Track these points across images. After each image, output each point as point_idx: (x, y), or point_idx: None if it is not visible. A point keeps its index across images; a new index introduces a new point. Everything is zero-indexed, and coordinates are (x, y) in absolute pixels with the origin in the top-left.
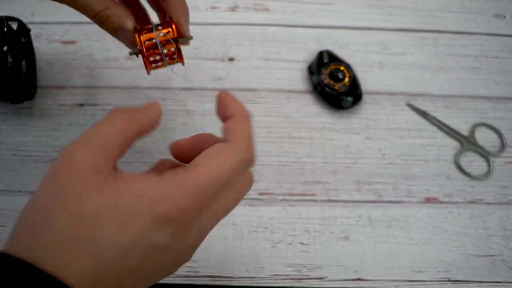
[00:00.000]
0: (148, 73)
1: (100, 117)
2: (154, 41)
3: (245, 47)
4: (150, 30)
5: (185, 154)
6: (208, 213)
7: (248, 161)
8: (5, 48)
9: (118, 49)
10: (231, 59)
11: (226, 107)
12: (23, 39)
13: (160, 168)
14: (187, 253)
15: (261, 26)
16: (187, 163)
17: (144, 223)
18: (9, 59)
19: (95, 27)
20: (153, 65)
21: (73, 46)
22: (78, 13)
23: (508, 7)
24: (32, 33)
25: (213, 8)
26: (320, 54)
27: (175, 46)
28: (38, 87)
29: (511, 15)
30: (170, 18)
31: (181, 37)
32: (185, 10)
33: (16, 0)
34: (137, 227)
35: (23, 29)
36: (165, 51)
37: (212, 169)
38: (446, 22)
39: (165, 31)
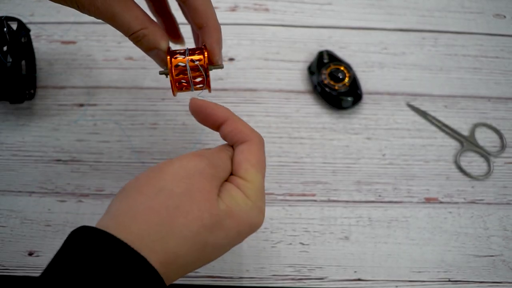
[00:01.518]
0: (174, 95)
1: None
2: (184, 65)
3: (245, 47)
4: (183, 54)
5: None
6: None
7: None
8: (5, 48)
9: (118, 49)
10: (231, 59)
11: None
12: (23, 39)
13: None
14: None
15: (261, 26)
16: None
17: (242, 230)
18: (9, 59)
19: (95, 27)
20: (180, 88)
21: (73, 46)
22: (78, 13)
23: (508, 7)
24: (32, 33)
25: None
26: (320, 54)
27: (204, 74)
28: (38, 87)
29: (511, 15)
30: (204, 45)
31: (212, 65)
32: (220, 39)
33: (16, 0)
34: (236, 234)
35: (23, 29)
36: (196, 78)
37: (260, 173)
38: (446, 22)
39: (197, 58)
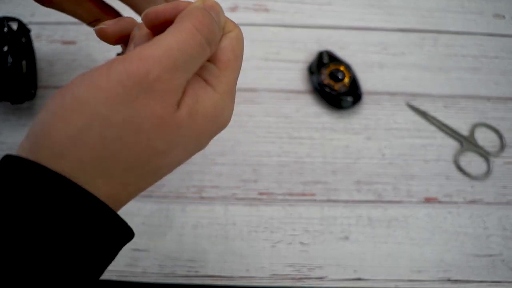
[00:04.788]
0: None
1: None
2: None
3: (245, 47)
4: None
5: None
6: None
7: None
8: (5, 49)
9: (118, 49)
10: None
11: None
12: (23, 39)
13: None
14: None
15: (261, 26)
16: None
17: (203, 139)
18: (9, 59)
19: None
20: None
21: (73, 46)
22: None
23: (508, 7)
24: (32, 33)
25: None
26: (320, 54)
27: None
28: (38, 87)
29: (511, 15)
30: None
31: None
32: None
33: (16, 0)
34: (196, 145)
35: (23, 29)
36: None
37: (238, 61)
38: (446, 22)
39: None
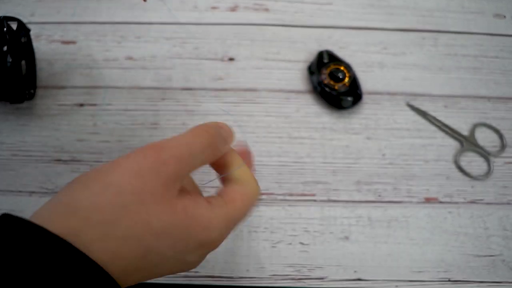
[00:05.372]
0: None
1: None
2: None
3: (245, 47)
4: None
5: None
6: None
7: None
8: (5, 48)
9: (118, 49)
10: (231, 59)
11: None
12: (23, 39)
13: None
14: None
15: (261, 26)
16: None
17: (190, 244)
18: (9, 59)
19: (95, 27)
20: None
21: (73, 46)
22: (78, 13)
23: (508, 7)
24: (32, 33)
25: (213, 8)
26: (320, 54)
27: None
28: (38, 87)
29: (511, 15)
30: None
31: None
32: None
33: (16, 0)
34: (183, 246)
35: (23, 29)
36: None
37: (243, 207)
38: (446, 22)
39: None
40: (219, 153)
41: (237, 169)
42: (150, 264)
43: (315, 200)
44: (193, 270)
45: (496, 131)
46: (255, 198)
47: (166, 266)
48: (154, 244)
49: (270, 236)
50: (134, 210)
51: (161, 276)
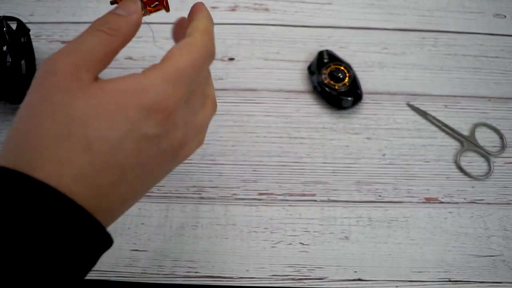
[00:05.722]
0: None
1: None
2: None
3: (245, 47)
4: None
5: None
6: (189, 105)
7: (211, 52)
8: (4, 48)
9: None
10: (231, 59)
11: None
12: (22, 39)
13: None
14: (180, 149)
15: (261, 26)
16: None
17: (132, 114)
18: (9, 59)
19: None
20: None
21: None
22: (78, 13)
23: (508, 7)
24: (31, 33)
25: (213, 8)
26: (320, 54)
27: None
28: None
29: (511, 15)
30: None
31: None
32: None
33: (15, 0)
34: (126, 120)
35: (23, 29)
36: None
37: (185, 58)
38: (446, 22)
39: None
40: (118, 48)
41: (188, 30)
42: (111, 163)
43: (315, 200)
44: (193, 270)
45: (497, 131)
46: (201, 45)
47: (131, 157)
48: (90, 133)
49: (270, 236)
50: (48, 115)
51: (148, 185)
